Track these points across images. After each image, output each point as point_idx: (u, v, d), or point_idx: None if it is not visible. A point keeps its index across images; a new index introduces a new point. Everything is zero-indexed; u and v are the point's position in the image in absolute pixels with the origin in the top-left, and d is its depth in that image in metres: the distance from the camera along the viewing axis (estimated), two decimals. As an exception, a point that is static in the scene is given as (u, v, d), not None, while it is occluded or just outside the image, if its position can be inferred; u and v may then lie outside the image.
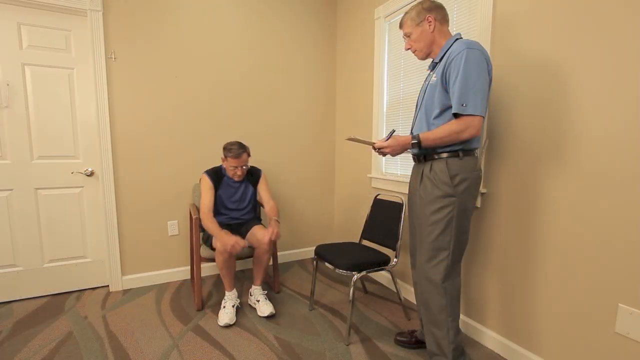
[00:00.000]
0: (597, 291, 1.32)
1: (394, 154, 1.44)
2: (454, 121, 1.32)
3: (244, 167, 2.14)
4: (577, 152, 1.35)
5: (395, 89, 2.35)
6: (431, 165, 1.42)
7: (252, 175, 2.30)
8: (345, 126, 2.96)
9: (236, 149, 2.08)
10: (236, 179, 2.16)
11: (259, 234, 2.06)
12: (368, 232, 2.21)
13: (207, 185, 2.14)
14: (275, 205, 2.20)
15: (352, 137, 1.48)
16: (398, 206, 2.02)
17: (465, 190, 1.37)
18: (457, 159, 1.37)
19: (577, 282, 1.38)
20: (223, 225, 2.19)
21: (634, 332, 1.21)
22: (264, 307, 2.04)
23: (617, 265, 1.25)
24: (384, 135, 2.50)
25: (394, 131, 1.44)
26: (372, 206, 2.23)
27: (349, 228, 2.97)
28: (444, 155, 1.39)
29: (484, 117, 1.33)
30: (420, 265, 1.46)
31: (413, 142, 1.38)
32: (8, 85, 2.09)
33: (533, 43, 1.49)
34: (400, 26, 1.51)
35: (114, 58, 2.26)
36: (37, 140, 2.18)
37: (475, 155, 1.41)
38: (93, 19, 2.16)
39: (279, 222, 2.17)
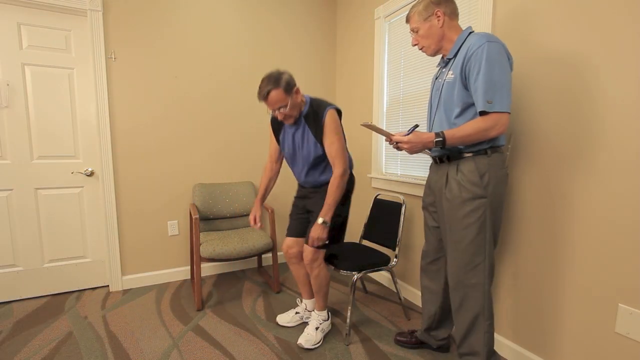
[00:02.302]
0: (597, 291, 1.32)
1: (412, 151, 1.33)
2: (480, 118, 1.23)
3: (282, 109, 1.59)
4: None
5: (395, 88, 2.35)
6: (457, 166, 1.33)
7: (314, 118, 1.64)
8: (345, 126, 2.95)
9: (261, 88, 1.56)
10: (285, 122, 1.66)
11: (306, 247, 1.72)
12: (368, 232, 2.21)
13: (270, 129, 1.84)
14: (340, 175, 1.61)
15: (369, 123, 1.35)
16: (398, 206, 2.02)
17: (495, 189, 1.30)
18: (485, 157, 1.29)
19: (577, 282, 1.38)
20: (299, 186, 1.85)
21: (634, 332, 1.21)
22: (303, 335, 1.76)
23: (617, 265, 1.25)
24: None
25: (417, 126, 1.33)
26: (372, 206, 2.23)
27: (349, 228, 2.97)
28: (470, 154, 1.31)
29: (510, 113, 1.24)
30: (455, 271, 1.38)
31: (437, 139, 1.27)
32: (8, 85, 2.09)
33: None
34: (407, 21, 1.42)
35: (114, 58, 2.26)
36: (37, 140, 2.18)
37: (502, 152, 1.34)
38: (93, 19, 2.16)
39: (325, 224, 1.62)
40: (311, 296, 1.96)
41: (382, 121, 2.49)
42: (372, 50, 2.54)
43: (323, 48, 2.97)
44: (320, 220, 1.62)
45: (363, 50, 2.65)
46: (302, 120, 1.67)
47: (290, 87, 1.57)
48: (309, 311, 1.96)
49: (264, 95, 1.57)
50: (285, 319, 1.95)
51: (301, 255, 1.85)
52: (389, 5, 2.31)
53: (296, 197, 1.92)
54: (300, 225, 1.86)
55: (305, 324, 1.94)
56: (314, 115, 1.64)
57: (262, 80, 1.58)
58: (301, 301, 2.02)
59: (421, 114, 2.13)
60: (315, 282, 1.77)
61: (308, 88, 2.93)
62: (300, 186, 1.89)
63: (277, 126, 1.78)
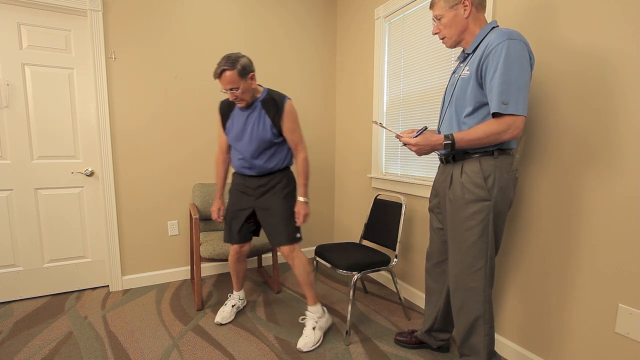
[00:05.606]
0: (597, 291, 1.32)
1: (420, 153, 1.31)
2: (493, 120, 1.19)
3: (234, 91, 1.59)
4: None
5: (395, 88, 2.35)
6: (462, 167, 1.31)
7: (272, 105, 1.67)
8: (345, 126, 2.95)
9: (218, 66, 1.56)
10: (237, 104, 1.67)
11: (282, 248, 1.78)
12: (368, 232, 2.21)
13: (217, 116, 1.83)
14: (305, 158, 1.75)
15: (378, 122, 1.36)
16: (398, 206, 2.02)
17: (499, 192, 1.26)
18: (491, 158, 1.25)
19: (578, 282, 1.38)
20: (238, 178, 1.82)
21: (634, 332, 1.21)
22: (301, 338, 1.75)
23: (617, 265, 1.25)
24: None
25: (426, 128, 1.30)
26: (372, 206, 2.23)
27: (349, 228, 2.97)
28: (476, 155, 1.28)
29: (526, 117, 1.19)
30: (455, 273, 1.37)
31: (446, 142, 1.24)
32: (8, 85, 2.09)
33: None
34: (431, 7, 1.35)
35: (114, 58, 2.26)
36: (37, 140, 2.18)
37: (512, 154, 1.30)
38: (93, 19, 2.16)
39: (306, 202, 1.76)
40: (241, 287, 2.08)
41: (382, 121, 2.49)
42: (372, 50, 2.54)
43: (323, 48, 2.97)
44: (302, 199, 1.75)
45: (363, 51, 2.65)
46: (259, 105, 1.69)
47: (245, 71, 1.59)
48: (241, 299, 2.09)
49: (218, 74, 1.58)
50: (221, 315, 1.97)
51: (247, 253, 1.99)
52: (388, 6, 2.32)
53: (235, 194, 1.85)
54: (246, 229, 1.88)
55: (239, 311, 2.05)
56: (272, 102, 1.68)
57: (221, 59, 1.58)
58: (232, 294, 2.10)
59: (421, 114, 2.13)
60: (299, 272, 1.76)
61: (308, 88, 2.93)
62: (240, 176, 1.82)
63: (226, 111, 1.77)
